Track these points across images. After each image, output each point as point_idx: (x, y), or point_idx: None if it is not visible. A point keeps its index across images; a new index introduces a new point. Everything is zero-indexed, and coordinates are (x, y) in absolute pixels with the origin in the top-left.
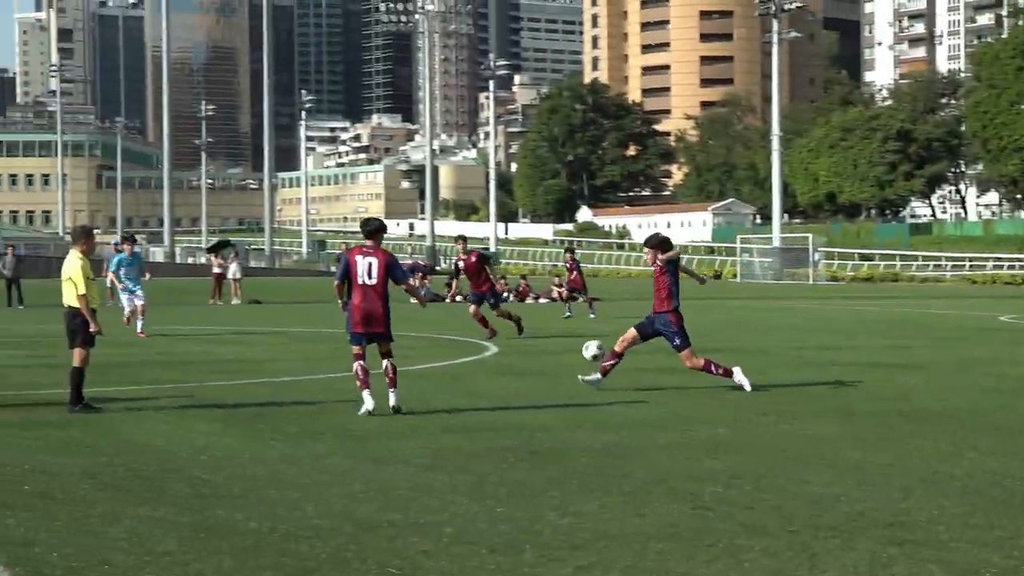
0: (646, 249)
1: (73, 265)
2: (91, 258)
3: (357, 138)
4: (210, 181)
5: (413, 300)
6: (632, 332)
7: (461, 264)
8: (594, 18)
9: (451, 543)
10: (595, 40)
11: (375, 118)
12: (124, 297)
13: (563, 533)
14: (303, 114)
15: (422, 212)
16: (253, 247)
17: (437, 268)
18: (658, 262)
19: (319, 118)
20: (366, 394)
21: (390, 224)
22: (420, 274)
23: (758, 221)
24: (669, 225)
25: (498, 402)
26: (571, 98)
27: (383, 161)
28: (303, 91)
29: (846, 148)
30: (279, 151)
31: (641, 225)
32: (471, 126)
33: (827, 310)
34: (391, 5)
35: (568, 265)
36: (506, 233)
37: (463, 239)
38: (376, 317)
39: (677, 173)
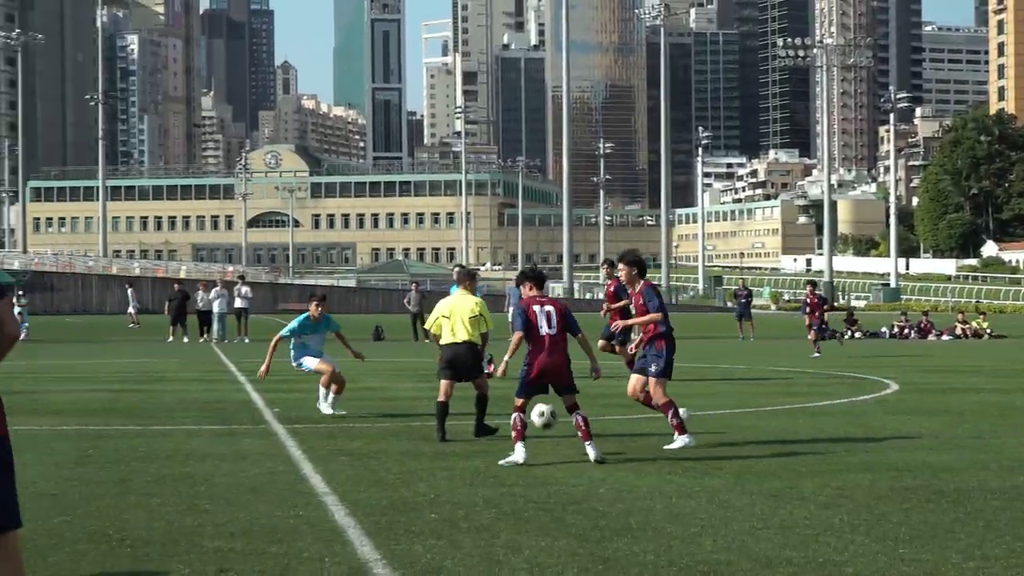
0: (622, 266)
1: (480, 303)
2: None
3: (754, 173)
4: (608, 218)
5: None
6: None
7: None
8: (1000, 47)
9: None
10: (1001, 69)
11: (772, 153)
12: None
13: None
14: (700, 150)
15: (819, 247)
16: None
17: (836, 304)
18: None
19: (716, 154)
20: (519, 446)
21: (787, 260)
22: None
23: None
24: None
25: (899, 441)
26: (975, 130)
27: (780, 196)
28: (700, 127)
29: None
30: (676, 187)
31: None
32: (870, 160)
33: None
34: (789, 40)
35: (809, 299)
36: (907, 268)
37: (609, 263)
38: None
39: None
